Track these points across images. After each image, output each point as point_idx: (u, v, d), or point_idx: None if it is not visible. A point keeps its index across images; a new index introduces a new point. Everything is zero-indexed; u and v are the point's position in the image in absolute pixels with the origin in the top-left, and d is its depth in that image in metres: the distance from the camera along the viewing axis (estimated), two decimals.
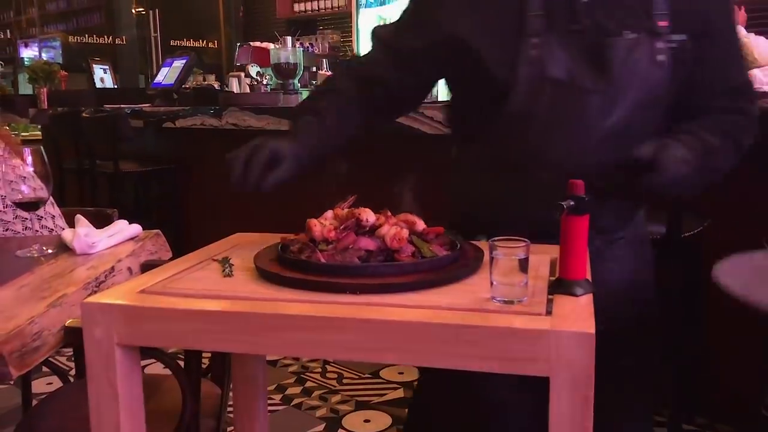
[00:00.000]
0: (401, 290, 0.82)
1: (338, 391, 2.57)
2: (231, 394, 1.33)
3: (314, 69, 4.73)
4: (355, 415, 2.39)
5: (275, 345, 0.79)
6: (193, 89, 4.25)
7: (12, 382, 2.65)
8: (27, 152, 1.53)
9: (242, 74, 4.55)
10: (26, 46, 7.31)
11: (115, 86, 5.39)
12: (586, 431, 0.70)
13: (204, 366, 1.47)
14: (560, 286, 0.83)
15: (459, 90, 1.31)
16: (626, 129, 1.13)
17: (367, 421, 2.35)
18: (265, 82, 4.23)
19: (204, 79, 5.06)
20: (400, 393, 2.54)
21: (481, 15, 1.15)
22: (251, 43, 4.71)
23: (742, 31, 3.70)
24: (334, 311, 0.77)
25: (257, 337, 0.79)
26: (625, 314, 1.22)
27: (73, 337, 1.11)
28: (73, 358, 2.64)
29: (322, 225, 0.93)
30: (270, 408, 2.44)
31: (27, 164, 1.54)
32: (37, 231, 1.77)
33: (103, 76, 5.33)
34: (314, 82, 4.48)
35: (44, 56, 6.97)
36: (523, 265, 0.79)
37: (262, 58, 4.39)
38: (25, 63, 6.82)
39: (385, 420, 2.35)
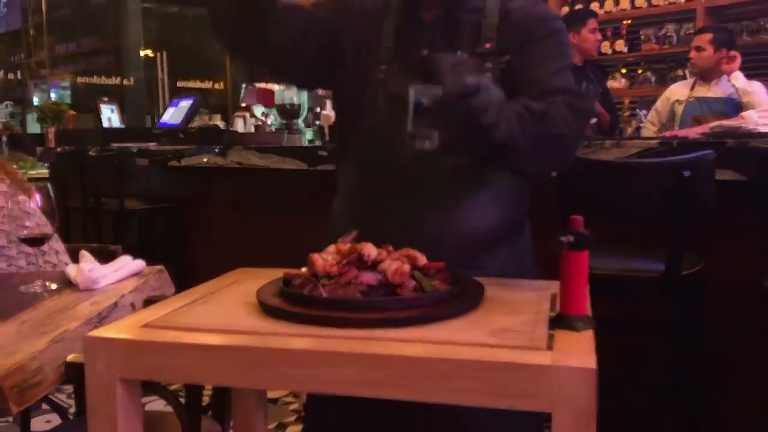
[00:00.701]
0: (403, 324, 0.83)
1: None
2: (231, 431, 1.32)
3: (318, 109, 4.78)
4: None
5: (277, 380, 0.79)
6: (199, 129, 4.29)
7: (11, 419, 2.63)
8: (33, 189, 1.55)
9: (247, 114, 4.61)
10: (36, 86, 7.43)
11: (122, 126, 5.45)
12: None
13: (204, 403, 1.46)
14: (561, 321, 0.83)
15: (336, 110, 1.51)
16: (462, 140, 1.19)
17: None
18: (269, 122, 4.29)
19: (210, 119, 5.13)
20: None
21: (356, 41, 1.39)
22: (256, 84, 4.78)
23: (742, 78, 3.75)
24: (335, 346, 0.78)
25: (259, 372, 0.79)
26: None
27: (74, 373, 1.11)
28: (73, 395, 2.62)
29: (324, 260, 0.93)
30: None
31: (33, 200, 1.55)
32: (41, 266, 1.77)
33: (110, 116, 5.39)
34: (318, 122, 4.52)
35: (53, 97, 7.07)
36: None
37: (267, 98, 4.45)
38: (35, 103, 6.92)
39: None
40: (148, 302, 1.39)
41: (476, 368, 0.71)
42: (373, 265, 0.93)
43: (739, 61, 3.81)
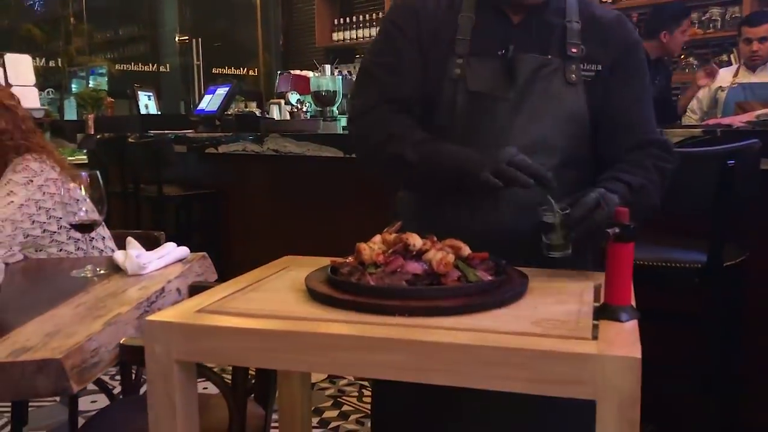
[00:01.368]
0: (448, 313, 0.85)
1: None
2: (275, 416, 1.36)
3: None
4: None
5: (325, 364, 0.82)
6: (235, 116, 4.34)
7: (58, 400, 2.72)
8: (84, 176, 1.60)
9: (282, 101, 4.65)
10: (74, 73, 7.57)
11: (159, 113, 5.53)
12: None
13: (249, 387, 1.51)
14: (605, 311, 0.84)
15: None
16: (544, 142, 1.28)
17: None
18: (305, 109, 4.32)
19: (245, 106, 5.17)
20: None
21: (431, 33, 1.35)
22: (291, 72, 4.81)
23: None
24: (382, 332, 0.80)
25: (308, 356, 0.82)
26: None
27: (127, 355, 1.16)
28: (117, 377, 2.70)
29: (371, 249, 0.96)
30: None
31: (82, 188, 1.61)
32: (89, 252, 1.83)
33: (147, 103, 5.47)
34: None
35: (91, 84, 7.20)
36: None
37: (302, 85, 4.48)
38: (73, 90, 7.05)
39: None
40: (193, 288, 1.44)
41: (522, 356, 0.73)
42: (419, 255, 0.95)
43: None
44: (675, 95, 4.26)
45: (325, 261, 1.03)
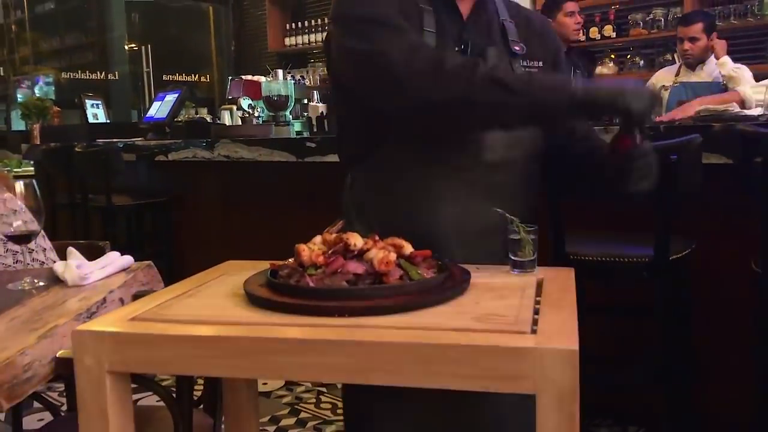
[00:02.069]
0: (389, 312, 0.83)
1: (333, 422, 2.55)
2: (223, 425, 1.33)
3: (305, 101, 4.77)
4: None
5: (265, 369, 0.80)
6: (185, 122, 4.27)
7: (2, 419, 2.62)
8: (19, 186, 1.54)
9: (234, 107, 4.60)
10: (19, 83, 7.37)
11: (108, 121, 5.41)
12: None
13: (196, 397, 1.47)
14: None
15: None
16: (513, 135, 1.33)
17: None
18: (256, 115, 4.27)
19: (196, 113, 5.10)
20: None
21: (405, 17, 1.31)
22: (243, 77, 4.76)
23: (730, 64, 3.78)
24: (322, 334, 0.78)
25: (247, 362, 0.79)
26: None
27: (64, 368, 1.11)
28: (64, 393, 2.62)
29: (311, 250, 0.94)
30: None
31: (18, 198, 1.55)
32: (29, 264, 1.77)
33: (95, 112, 5.35)
34: (305, 113, 4.52)
35: (37, 93, 7.01)
36: None
37: (253, 91, 4.44)
38: (18, 100, 6.86)
39: None
40: (137, 297, 1.39)
41: (460, 352, 0.72)
42: (360, 255, 0.93)
43: (725, 44, 3.85)
44: None
45: (266, 265, 1.01)
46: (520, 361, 0.70)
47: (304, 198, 3.13)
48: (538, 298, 0.91)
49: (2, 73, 7.46)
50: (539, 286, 0.96)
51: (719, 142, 1.93)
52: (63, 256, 1.68)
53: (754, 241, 1.82)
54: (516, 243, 1.07)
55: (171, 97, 4.26)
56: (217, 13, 8.41)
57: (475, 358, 0.71)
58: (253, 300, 0.90)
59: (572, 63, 3.86)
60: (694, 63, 3.94)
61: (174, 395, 1.26)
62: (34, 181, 1.57)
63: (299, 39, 7.03)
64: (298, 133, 3.98)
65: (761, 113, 2.34)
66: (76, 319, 1.25)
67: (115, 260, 1.58)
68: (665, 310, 1.94)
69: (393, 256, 0.92)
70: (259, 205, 3.49)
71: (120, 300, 1.44)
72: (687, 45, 3.92)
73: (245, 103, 4.43)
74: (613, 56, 5.25)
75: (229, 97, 4.79)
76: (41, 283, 1.48)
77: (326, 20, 6.58)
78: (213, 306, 0.92)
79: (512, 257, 1.07)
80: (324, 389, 2.83)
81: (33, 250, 1.82)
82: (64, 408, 2.36)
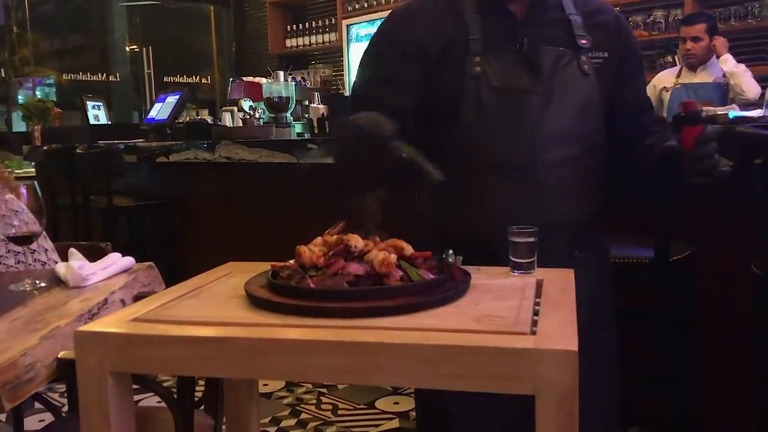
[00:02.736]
0: (389, 313, 0.84)
1: (333, 423, 2.55)
2: (224, 426, 1.33)
3: (306, 102, 4.79)
4: None
5: (266, 370, 0.80)
6: (186, 124, 4.29)
7: (4, 420, 2.63)
8: (21, 187, 1.55)
9: (235, 109, 4.61)
10: (20, 84, 7.38)
11: (109, 122, 5.42)
12: None
13: (197, 398, 1.47)
14: None
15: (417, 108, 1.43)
16: (569, 132, 1.36)
17: None
18: (257, 116, 4.28)
19: (197, 114, 5.11)
20: (395, 423, 2.53)
21: (441, 37, 1.38)
22: (244, 78, 4.77)
23: (732, 61, 3.79)
24: (323, 335, 0.79)
25: (248, 362, 0.80)
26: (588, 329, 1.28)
27: (65, 369, 1.12)
28: (66, 394, 2.62)
29: (311, 251, 0.94)
30: None
31: (20, 199, 1.56)
32: (30, 265, 1.77)
33: (97, 113, 5.36)
34: (306, 115, 4.53)
35: (38, 94, 7.03)
36: None
37: (254, 92, 4.45)
38: (20, 101, 6.87)
39: None
40: (138, 298, 1.40)
41: (460, 353, 0.72)
42: (360, 256, 0.94)
43: (726, 42, 3.86)
44: None
45: (268, 266, 1.01)
46: (520, 362, 0.70)
47: (304, 199, 3.14)
48: (538, 299, 0.91)
49: (3, 75, 7.47)
50: (539, 287, 0.96)
51: (719, 143, 1.94)
52: (65, 257, 1.69)
53: (754, 242, 1.82)
54: (516, 245, 1.08)
55: (172, 99, 4.27)
56: (218, 15, 8.43)
57: (475, 358, 0.72)
58: (254, 301, 0.90)
59: None
60: (696, 63, 3.94)
61: (175, 396, 1.27)
62: (35, 182, 1.57)
63: (300, 40, 7.04)
64: (299, 134, 3.99)
65: (761, 115, 2.34)
66: (77, 320, 1.26)
67: (116, 261, 1.59)
68: (665, 312, 1.94)
69: (393, 257, 0.92)
70: (260, 206, 3.49)
71: (121, 301, 1.44)
72: (689, 44, 3.92)
73: (246, 104, 4.44)
74: None
75: (230, 99, 4.80)
76: (43, 284, 1.49)
77: (327, 22, 6.60)
78: (214, 307, 0.92)
79: (512, 258, 1.08)
80: (325, 390, 2.84)
81: (35, 250, 1.82)
82: (65, 409, 2.37)
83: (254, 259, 1.24)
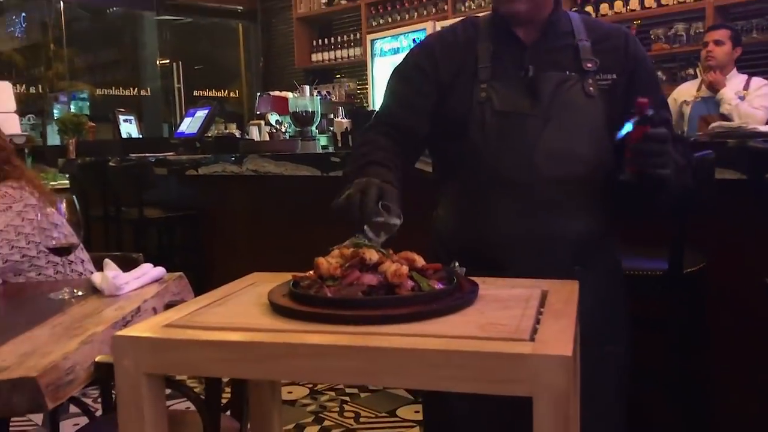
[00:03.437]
0: (400, 321, 0.90)
1: (356, 430, 2.61)
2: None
3: (331, 116, 4.88)
4: None
5: (287, 371, 0.87)
6: (215, 138, 4.40)
7: (40, 424, 2.73)
8: (61, 201, 1.64)
9: (262, 122, 4.71)
10: (55, 99, 7.60)
11: (140, 136, 5.57)
12: None
13: (223, 403, 1.55)
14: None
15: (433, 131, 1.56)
16: (569, 151, 1.43)
17: None
18: (284, 130, 4.38)
19: (225, 128, 5.23)
20: None
21: (456, 66, 1.50)
22: (271, 93, 4.88)
23: (727, 96, 3.75)
24: (339, 340, 0.86)
25: (271, 364, 0.87)
26: (594, 341, 1.32)
27: (102, 372, 1.20)
28: (99, 399, 2.72)
29: (329, 263, 1.01)
30: None
31: (59, 212, 1.65)
32: (68, 275, 1.87)
33: (128, 127, 5.51)
34: (331, 128, 4.61)
35: (72, 109, 7.23)
36: None
37: (281, 106, 4.55)
38: (55, 115, 7.08)
39: None
40: (169, 307, 1.48)
41: (463, 358, 0.78)
42: (374, 267, 1.00)
43: (723, 80, 3.85)
44: None
45: (288, 276, 1.08)
46: (517, 366, 0.77)
47: (329, 212, 3.21)
48: (542, 309, 0.97)
49: (39, 90, 7.70)
50: (544, 297, 1.02)
51: (732, 158, 1.97)
52: (99, 267, 1.78)
53: (766, 255, 1.85)
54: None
55: (201, 113, 4.39)
56: (246, 30, 8.60)
57: (477, 363, 0.78)
58: (277, 309, 0.98)
59: None
60: (715, 67, 3.90)
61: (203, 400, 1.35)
62: (74, 196, 1.67)
63: (326, 55, 7.16)
64: (323, 147, 4.07)
65: None
66: (112, 326, 1.34)
67: (148, 271, 1.67)
68: (678, 323, 1.97)
69: (405, 268, 0.99)
70: (285, 218, 3.58)
71: (153, 309, 1.52)
72: (711, 47, 3.88)
73: (273, 118, 4.54)
74: None
75: (258, 113, 4.91)
76: (80, 293, 1.58)
77: (353, 37, 6.71)
78: (240, 314, 0.99)
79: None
80: (348, 398, 2.90)
81: (72, 261, 1.92)
82: (98, 413, 2.46)
83: (278, 269, 1.31)
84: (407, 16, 6.30)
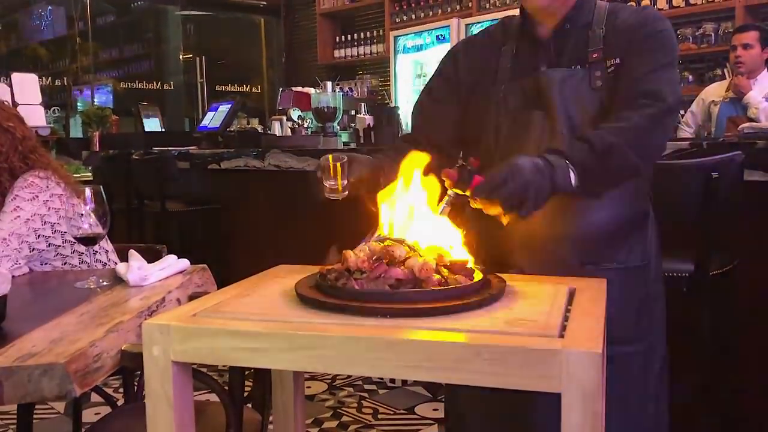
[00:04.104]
0: (427, 315, 0.90)
1: (374, 426, 2.61)
2: (271, 425, 1.41)
3: (353, 112, 4.88)
4: None
5: (313, 362, 0.87)
6: (237, 132, 4.42)
7: (62, 412, 2.77)
8: (88, 192, 1.66)
9: (284, 118, 4.73)
10: (80, 92, 7.68)
11: (163, 129, 5.61)
12: None
13: (246, 394, 1.56)
14: None
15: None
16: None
17: None
18: (305, 125, 4.39)
19: (248, 123, 5.26)
20: (434, 429, 2.58)
21: (478, 71, 1.53)
22: (293, 88, 4.89)
23: (754, 100, 3.69)
24: (365, 332, 0.86)
25: (297, 355, 0.87)
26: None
27: (127, 360, 1.21)
28: (120, 390, 2.75)
29: (357, 256, 1.01)
30: None
31: (86, 203, 1.67)
32: (93, 265, 1.89)
33: (151, 120, 5.56)
34: (353, 125, 4.62)
35: (97, 102, 7.31)
36: None
37: (303, 102, 4.56)
38: (78, 108, 7.16)
39: None
40: (192, 298, 1.49)
41: (493, 352, 0.78)
42: (402, 261, 1.00)
43: (749, 84, 3.78)
44: None
45: (316, 269, 1.09)
46: (547, 361, 0.76)
47: (350, 206, 3.21)
48: (569, 306, 0.97)
49: (64, 83, 7.79)
50: (571, 295, 1.01)
51: (761, 159, 1.94)
52: (123, 258, 1.80)
53: None
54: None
55: (224, 108, 4.41)
56: (268, 26, 8.63)
57: (506, 358, 0.78)
58: (304, 300, 0.98)
59: None
60: (745, 72, 3.85)
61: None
62: (101, 187, 1.69)
63: (348, 51, 7.16)
64: (345, 143, 4.08)
65: None
66: (138, 316, 1.35)
67: (172, 263, 1.69)
68: (705, 325, 1.95)
69: (432, 263, 0.99)
70: (306, 212, 3.59)
71: (177, 300, 1.54)
72: (740, 51, 3.82)
73: (295, 114, 4.56)
74: None
75: (280, 108, 4.93)
76: (105, 283, 1.60)
77: (375, 33, 6.70)
78: (267, 305, 1.00)
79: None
80: (366, 395, 2.90)
81: (96, 251, 1.94)
82: (120, 402, 2.49)
83: (298, 262, 1.32)
84: (431, 13, 6.28)
